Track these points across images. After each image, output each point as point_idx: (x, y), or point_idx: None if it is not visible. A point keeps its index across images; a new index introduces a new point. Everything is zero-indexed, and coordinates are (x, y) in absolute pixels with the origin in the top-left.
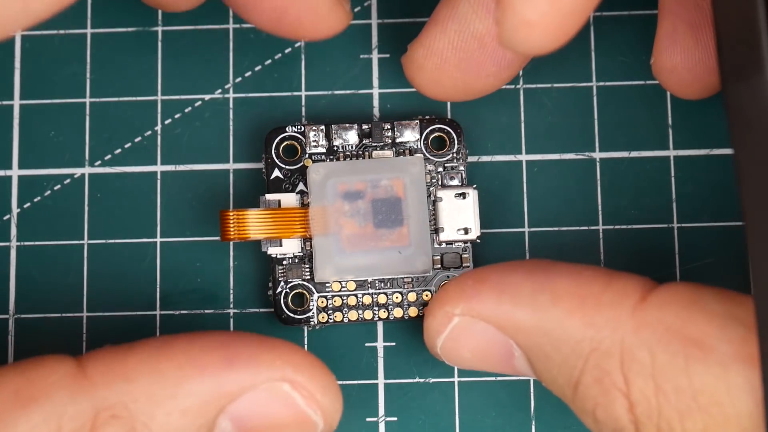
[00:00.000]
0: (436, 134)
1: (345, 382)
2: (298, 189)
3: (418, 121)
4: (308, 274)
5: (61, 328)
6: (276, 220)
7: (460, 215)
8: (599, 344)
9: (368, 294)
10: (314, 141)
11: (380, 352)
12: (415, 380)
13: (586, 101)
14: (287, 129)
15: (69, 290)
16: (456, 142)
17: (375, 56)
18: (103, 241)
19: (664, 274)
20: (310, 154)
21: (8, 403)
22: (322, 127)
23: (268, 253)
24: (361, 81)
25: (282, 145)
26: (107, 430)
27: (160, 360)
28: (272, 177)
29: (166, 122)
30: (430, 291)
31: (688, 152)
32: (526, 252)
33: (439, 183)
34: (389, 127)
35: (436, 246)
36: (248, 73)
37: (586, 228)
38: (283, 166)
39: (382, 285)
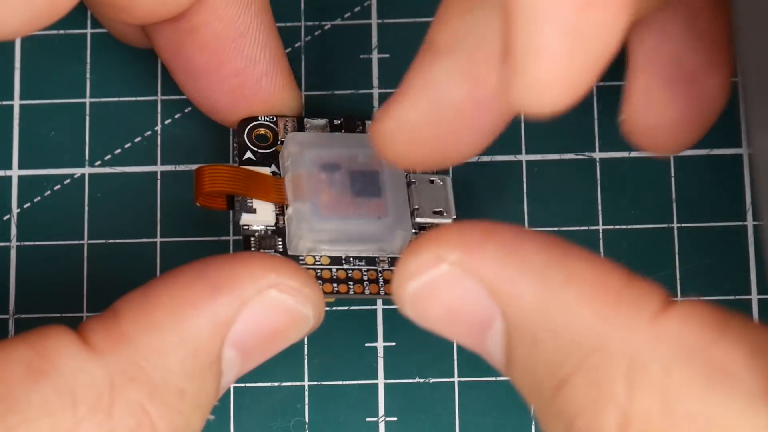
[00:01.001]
0: None
1: (345, 382)
2: (271, 170)
3: None
4: (282, 246)
5: None
6: (251, 179)
7: (435, 198)
8: (607, 344)
9: (342, 269)
10: (286, 130)
11: (380, 352)
12: (415, 380)
13: (586, 101)
14: (259, 118)
15: (69, 290)
16: None
17: (375, 56)
18: (103, 241)
19: (664, 274)
20: (282, 141)
21: (19, 378)
22: (294, 119)
23: (241, 223)
24: (361, 81)
25: (254, 132)
26: (129, 393)
27: (151, 311)
28: (244, 158)
29: (166, 122)
30: None
31: (688, 152)
32: None
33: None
34: (360, 123)
35: (412, 232)
36: None
37: (586, 228)
38: (256, 149)
39: (357, 261)
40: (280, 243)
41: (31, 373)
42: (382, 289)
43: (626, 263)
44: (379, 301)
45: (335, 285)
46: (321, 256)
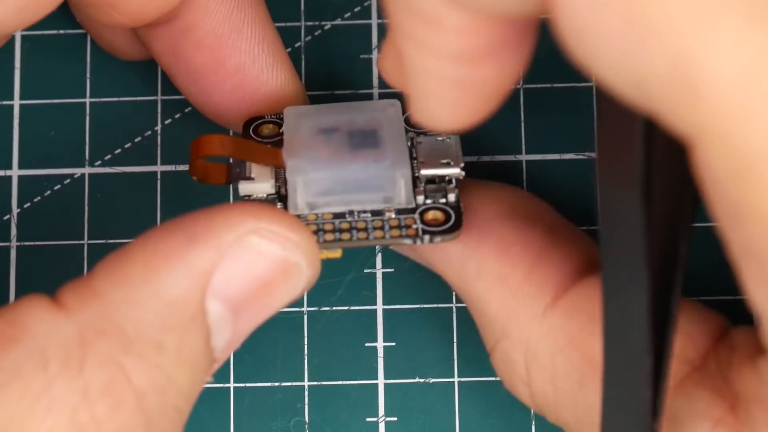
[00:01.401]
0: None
1: (345, 382)
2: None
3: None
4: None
5: None
6: (247, 145)
7: (443, 153)
8: (509, 334)
9: (346, 221)
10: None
11: (380, 352)
12: (415, 380)
13: (586, 101)
14: (266, 116)
15: None
16: None
17: (375, 56)
18: (103, 241)
19: None
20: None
21: None
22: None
23: (240, 192)
24: (361, 81)
25: (259, 129)
26: (100, 347)
27: (124, 266)
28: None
29: (166, 122)
30: (413, 218)
31: None
32: None
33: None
34: None
35: (419, 187)
36: None
37: (586, 228)
38: (259, 140)
39: (362, 214)
40: (281, 207)
41: (1, 342)
42: (387, 233)
43: None
44: (380, 301)
45: (337, 234)
46: (323, 213)
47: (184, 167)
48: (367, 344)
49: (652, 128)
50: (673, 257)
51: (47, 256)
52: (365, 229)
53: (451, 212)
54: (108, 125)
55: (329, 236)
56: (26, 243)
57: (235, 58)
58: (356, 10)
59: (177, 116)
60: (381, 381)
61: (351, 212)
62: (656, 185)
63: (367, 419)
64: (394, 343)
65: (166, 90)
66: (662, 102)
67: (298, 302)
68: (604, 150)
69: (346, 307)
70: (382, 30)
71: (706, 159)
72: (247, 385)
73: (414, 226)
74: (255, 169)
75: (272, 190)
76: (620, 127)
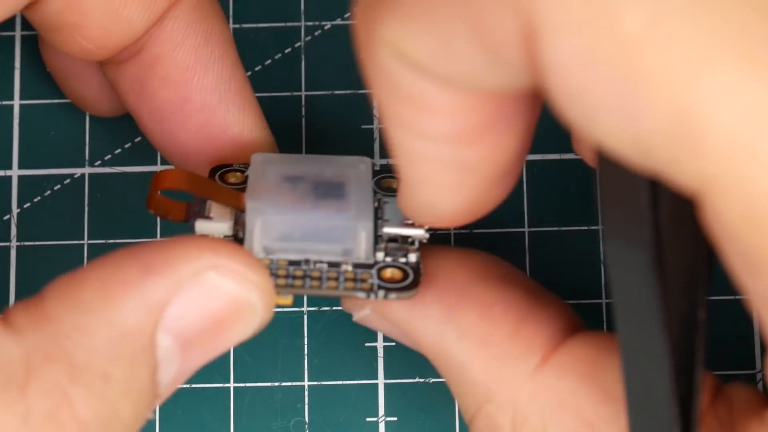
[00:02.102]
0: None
1: (345, 382)
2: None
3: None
4: None
5: None
6: (208, 183)
7: None
8: (495, 396)
9: (300, 269)
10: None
11: (380, 352)
12: (415, 380)
13: None
14: (233, 165)
15: None
16: None
17: None
18: (103, 241)
19: None
20: None
21: None
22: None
23: (196, 230)
24: (361, 81)
25: (225, 177)
26: (47, 373)
27: (78, 292)
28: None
29: None
30: (370, 273)
31: None
32: (526, 252)
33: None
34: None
35: (380, 244)
36: (248, 73)
37: (586, 228)
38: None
39: (318, 264)
40: None
41: None
42: (342, 285)
43: None
44: None
45: (290, 279)
46: (278, 259)
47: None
48: (367, 344)
49: (657, 188)
50: (692, 322)
51: (47, 256)
52: (319, 278)
53: (410, 271)
54: (108, 125)
55: (281, 281)
56: (26, 243)
57: (201, 96)
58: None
59: None
60: (381, 381)
61: (307, 261)
62: (667, 248)
63: (367, 419)
64: (394, 343)
65: None
66: (665, 158)
67: (298, 302)
68: (609, 215)
69: None
70: None
71: (716, 211)
72: (247, 385)
73: (370, 281)
74: (215, 209)
75: (229, 232)
76: (624, 190)
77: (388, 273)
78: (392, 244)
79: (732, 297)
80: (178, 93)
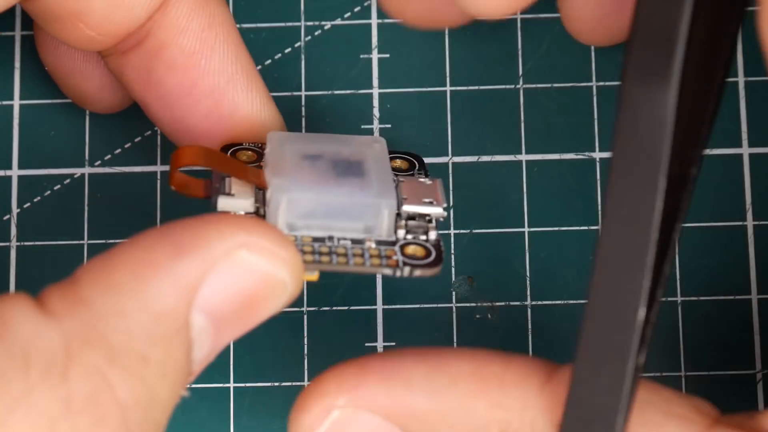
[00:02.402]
0: (398, 164)
1: None
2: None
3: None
4: None
5: None
6: (229, 160)
7: (425, 192)
8: (508, 425)
9: (326, 246)
10: None
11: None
12: None
13: (586, 101)
14: (243, 143)
15: None
16: (418, 166)
17: (375, 56)
18: (103, 241)
19: None
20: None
21: None
22: None
23: (218, 207)
24: (361, 81)
25: (236, 155)
26: (86, 357)
27: (111, 274)
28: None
29: None
30: (394, 249)
31: None
32: (526, 252)
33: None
34: None
35: (400, 222)
36: None
37: (586, 228)
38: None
39: (341, 241)
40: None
41: None
42: (368, 261)
43: None
44: (380, 301)
45: (317, 256)
46: (302, 236)
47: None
48: (367, 344)
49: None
50: (684, 179)
51: (47, 256)
52: (345, 254)
53: (432, 249)
54: (108, 125)
55: (308, 257)
56: (26, 243)
57: (208, 79)
58: (356, 10)
59: None
60: None
61: (330, 238)
62: (684, 95)
63: None
64: (394, 343)
65: None
66: None
67: (298, 302)
68: (637, 44)
69: (346, 307)
70: (382, 30)
71: None
72: (247, 385)
73: (395, 257)
74: (235, 186)
75: (251, 209)
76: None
77: (410, 250)
78: (412, 222)
79: (732, 297)
80: (186, 78)
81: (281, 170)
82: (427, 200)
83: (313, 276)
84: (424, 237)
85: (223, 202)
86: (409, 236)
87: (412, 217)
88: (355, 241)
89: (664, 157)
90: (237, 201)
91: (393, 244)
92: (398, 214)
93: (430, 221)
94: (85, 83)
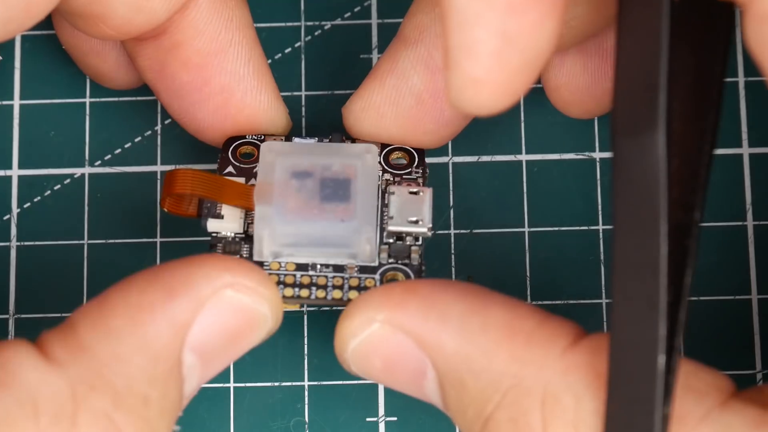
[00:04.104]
0: (399, 155)
1: (345, 382)
2: (250, 184)
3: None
4: (247, 253)
5: None
6: (221, 184)
7: (413, 207)
8: (521, 381)
9: (307, 275)
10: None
11: None
12: None
13: None
14: (246, 137)
15: (69, 290)
16: (417, 161)
17: (375, 56)
18: (103, 241)
19: None
20: None
21: None
22: (282, 138)
23: (207, 229)
24: (361, 81)
25: (239, 150)
26: (92, 402)
27: (108, 319)
28: (225, 172)
29: (166, 122)
30: (373, 278)
31: None
32: (526, 252)
33: (394, 184)
34: (345, 138)
35: (385, 242)
36: None
37: (586, 228)
38: (238, 165)
39: (324, 268)
40: (246, 249)
41: None
42: (346, 294)
43: None
44: None
45: (297, 289)
46: (287, 262)
47: (184, 167)
48: None
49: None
50: (688, 225)
51: (47, 256)
52: (324, 287)
53: (411, 274)
54: (108, 125)
55: (288, 291)
56: (26, 243)
57: (220, 79)
58: (356, 10)
59: None
60: None
61: (314, 265)
62: (674, 143)
63: (367, 419)
64: None
65: None
66: None
67: None
68: (621, 99)
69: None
70: (382, 30)
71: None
72: (247, 385)
73: (372, 288)
74: (225, 207)
75: (240, 230)
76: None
77: (389, 276)
78: (396, 245)
79: (732, 297)
80: (198, 76)
81: (268, 195)
82: (412, 219)
83: (295, 306)
84: (406, 260)
85: (212, 225)
86: (392, 260)
87: (399, 236)
88: (337, 268)
89: (662, 201)
90: (226, 224)
91: (375, 270)
92: (383, 230)
93: (417, 238)
94: (101, 62)
